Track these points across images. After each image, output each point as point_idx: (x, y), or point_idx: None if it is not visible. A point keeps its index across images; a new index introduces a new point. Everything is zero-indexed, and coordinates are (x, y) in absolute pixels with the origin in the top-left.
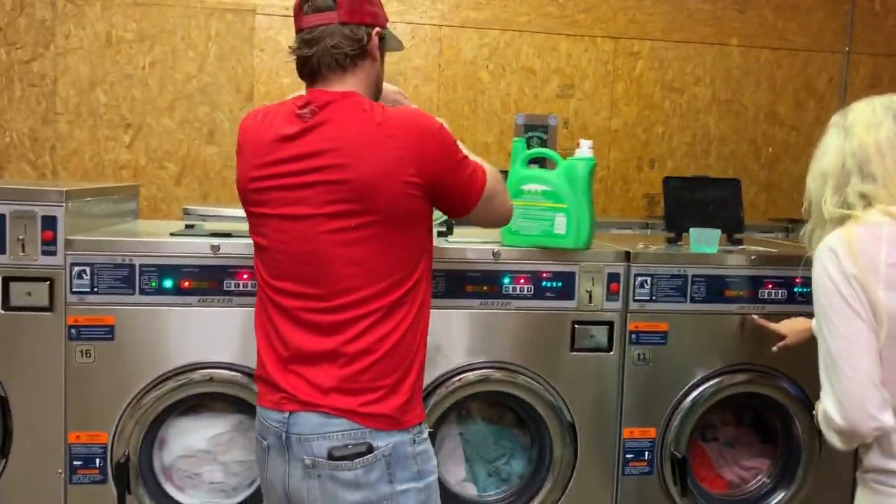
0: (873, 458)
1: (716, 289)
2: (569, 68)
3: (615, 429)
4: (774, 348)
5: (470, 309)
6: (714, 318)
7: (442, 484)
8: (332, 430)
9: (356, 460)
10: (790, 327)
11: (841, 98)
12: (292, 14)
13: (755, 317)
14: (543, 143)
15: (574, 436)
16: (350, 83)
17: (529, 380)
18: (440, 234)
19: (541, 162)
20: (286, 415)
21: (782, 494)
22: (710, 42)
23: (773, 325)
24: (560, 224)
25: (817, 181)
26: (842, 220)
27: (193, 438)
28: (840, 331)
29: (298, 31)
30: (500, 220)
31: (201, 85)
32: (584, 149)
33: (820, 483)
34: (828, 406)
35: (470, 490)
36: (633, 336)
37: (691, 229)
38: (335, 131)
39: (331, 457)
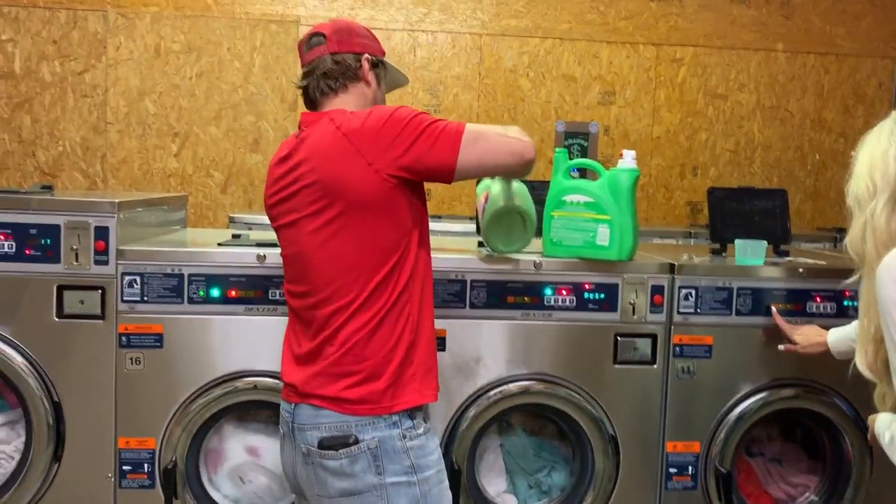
0: None
1: (762, 302)
2: (610, 75)
3: (658, 442)
4: (781, 347)
5: (512, 320)
6: (760, 332)
7: (482, 494)
8: (323, 421)
9: (340, 450)
10: (805, 336)
11: (892, 104)
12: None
13: (774, 310)
14: (584, 151)
15: (616, 449)
16: (339, 105)
17: (571, 392)
18: (480, 244)
19: (582, 172)
20: (292, 406)
21: None
22: (755, 48)
23: (787, 328)
24: (603, 235)
25: (891, 161)
26: None
27: (238, 446)
28: None
29: (302, 67)
30: (507, 157)
31: (247, 95)
32: (628, 159)
33: (869, 502)
34: None
35: (510, 502)
36: (677, 349)
37: (736, 241)
38: (311, 142)
39: (320, 446)
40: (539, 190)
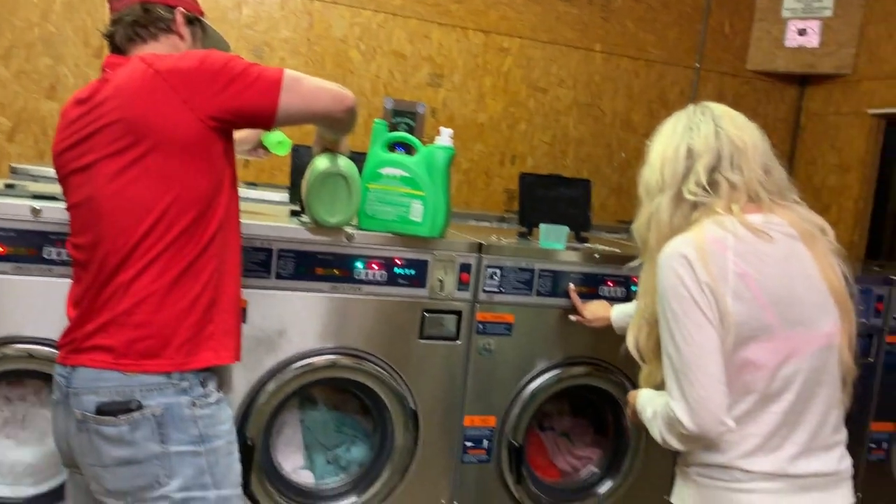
0: (698, 454)
1: (560, 283)
2: (440, 58)
3: (458, 417)
4: (572, 317)
5: (319, 292)
6: (557, 312)
7: (277, 471)
8: (102, 385)
9: (121, 416)
10: (593, 311)
11: None
12: None
13: (571, 286)
14: (411, 131)
15: (416, 423)
16: (149, 52)
17: (376, 367)
18: (293, 213)
19: (406, 148)
20: (67, 369)
21: (609, 484)
22: (576, 46)
23: (578, 303)
24: (417, 211)
25: (679, 159)
26: (687, 217)
27: None
28: (694, 338)
29: (111, 14)
30: (330, 101)
31: (44, 34)
32: (445, 137)
33: (645, 473)
34: (678, 412)
35: (306, 478)
36: (480, 326)
37: (541, 225)
38: (117, 82)
39: (98, 412)
40: (358, 162)
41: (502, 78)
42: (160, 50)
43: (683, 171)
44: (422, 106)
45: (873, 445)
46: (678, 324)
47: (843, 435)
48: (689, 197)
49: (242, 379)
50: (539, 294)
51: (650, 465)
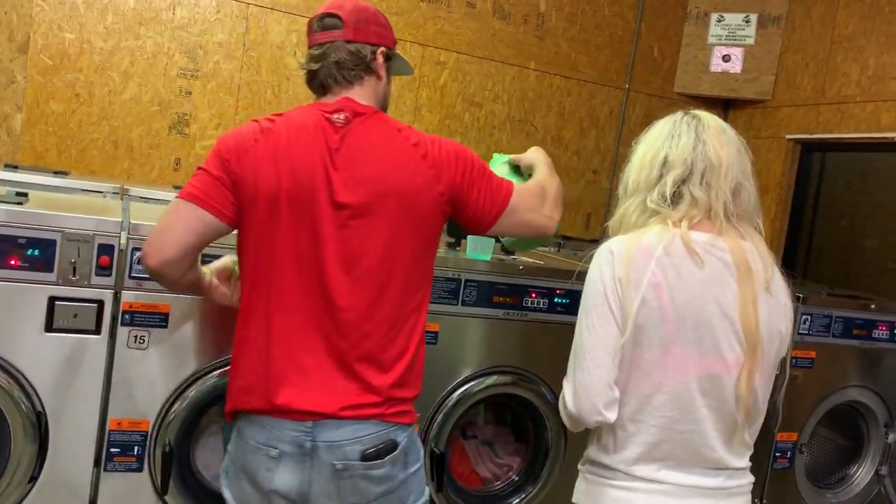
0: (591, 452)
1: (486, 294)
2: None
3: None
4: None
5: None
6: (483, 322)
7: (196, 478)
8: (362, 434)
9: (386, 458)
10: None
11: (618, 130)
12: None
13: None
14: None
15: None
16: (352, 96)
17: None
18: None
19: None
20: (308, 424)
21: (528, 491)
22: (511, 63)
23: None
24: None
25: (653, 167)
26: (646, 222)
27: None
28: (596, 329)
29: (309, 47)
30: (530, 232)
31: None
32: None
33: (563, 482)
34: (565, 391)
35: None
36: None
37: (469, 237)
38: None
39: (363, 458)
40: None
41: (438, 91)
42: (361, 92)
43: (655, 179)
44: None
45: (778, 454)
46: (587, 313)
47: (737, 461)
48: (650, 205)
49: (163, 387)
50: (465, 304)
51: (569, 473)
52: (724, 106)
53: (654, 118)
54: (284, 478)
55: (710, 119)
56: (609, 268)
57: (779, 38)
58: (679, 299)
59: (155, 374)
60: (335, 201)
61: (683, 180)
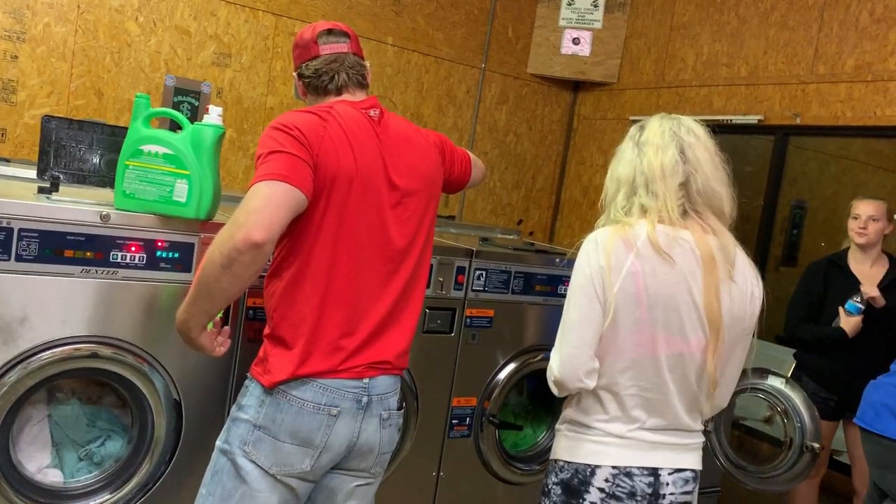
0: (570, 413)
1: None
2: (227, 37)
3: (223, 407)
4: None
5: (69, 276)
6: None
7: (20, 473)
8: (396, 386)
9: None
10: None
11: (475, 109)
12: (300, 45)
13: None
14: (195, 110)
15: (179, 414)
16: (353, 99)
17: (134, 356)
18: (41, 189)
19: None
20: (365, 380)
21: None
22: (368, 37)
23: None
24: (181, 191)
25: (613, 185)
26: (618, 221)
27: None
28: (581, 307)
29: (316, 56)
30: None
31: None
32: (214, 115)
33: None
34: (552, 361)
35: (54, 477)
36: (250, 312)
37: None
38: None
39: (399, 408)
40: (119, 137)
41: (293, 62)
42: (364, 95)
43: (611, 197)
44: (207, 85)
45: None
46: (574, 293)
47: (694, 424)
48: (613, 216)
49: None
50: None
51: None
52: (574, 87)
53: (509, 98)
54: (340, 433)
55: (653, 125)
56: (594, 254)
57: (624, 24)
58: (653, 287)
59: None
60: (392, 183)
61: (631, 193)
